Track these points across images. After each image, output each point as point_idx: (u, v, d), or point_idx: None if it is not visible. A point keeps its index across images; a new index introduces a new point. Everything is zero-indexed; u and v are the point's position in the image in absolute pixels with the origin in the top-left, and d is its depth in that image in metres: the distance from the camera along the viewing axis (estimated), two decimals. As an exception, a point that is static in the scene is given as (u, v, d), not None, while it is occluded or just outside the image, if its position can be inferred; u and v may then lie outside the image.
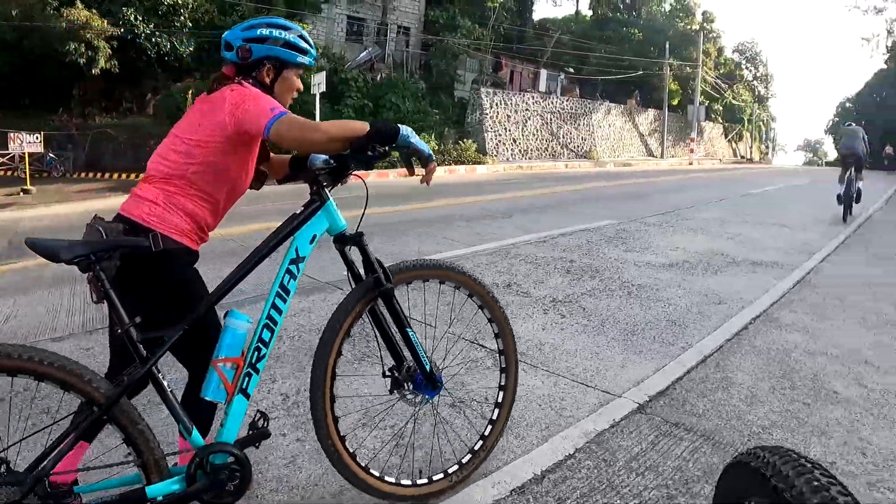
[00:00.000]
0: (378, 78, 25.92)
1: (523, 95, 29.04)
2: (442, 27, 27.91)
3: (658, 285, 6.65)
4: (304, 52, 2.46)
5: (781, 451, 1.34)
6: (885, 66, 42.01)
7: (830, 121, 57.64)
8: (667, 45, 35.80)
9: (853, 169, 13.10)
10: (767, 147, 56.35)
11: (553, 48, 34.66)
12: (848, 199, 12.90)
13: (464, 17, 28.46)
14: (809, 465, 1.26)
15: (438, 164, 20.47)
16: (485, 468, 2.96)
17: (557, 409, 3.67)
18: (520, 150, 27.88)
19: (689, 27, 40.60)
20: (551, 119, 29.80)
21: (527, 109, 28.71)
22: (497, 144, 26.93)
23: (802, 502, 1.18)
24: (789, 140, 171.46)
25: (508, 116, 27.66)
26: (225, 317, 2.28)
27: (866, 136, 13.75)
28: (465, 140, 25.27)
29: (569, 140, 30.45)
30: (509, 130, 27.66)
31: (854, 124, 14.44)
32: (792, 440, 3.47)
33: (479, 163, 23.96)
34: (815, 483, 1.20)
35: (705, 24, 42.03)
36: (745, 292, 6.50)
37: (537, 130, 29.11)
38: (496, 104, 27.21)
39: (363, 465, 2.58)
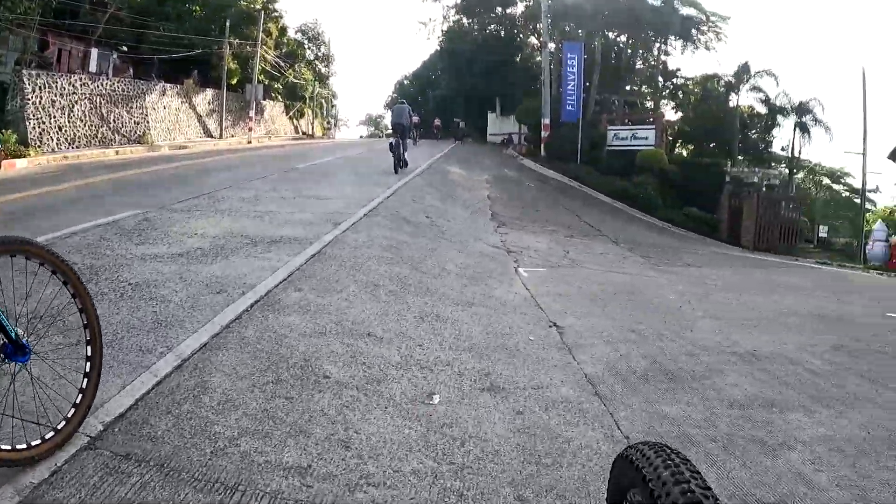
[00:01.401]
0: None
1: (70, 77, 25.56)
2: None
3: (159, 281, 5.83)
4: None
5: (657, 445, 1.43)
6: (439, 48, 46.55)
7: (389, 96, 62.95)
8: (227, 24, 34.87)
9: (400, 137, 17.78)
10: (330, 123, 59.21)
11: (108, 25, 31.20)
12: (397, 160, 17.38)
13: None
14: (677, 460, 1.35)
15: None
16: None
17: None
18: (66, 139, 24.55)
19: (251, 6, 40.07)
20: (101, 102, 26.80)
21: (74, 93, 25.32)
22: (41, 133, 23.32)
23: (667, 493, 1.26)
24: (353, 115, 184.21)
25: (53, 101, 24.09)
26: None
27: (411, 112, 18.24)
28: (4, 130, 21.36)
29: (121, 124, 27.75)
30: (54, 117, 24.13)
31: (404, 102, 18.78)
32: (263, 448, 3.11)
33: (20, 155, 20.46)
34: (678, 476, 1.29)
35: (268, 4, 41.95)
36: (252, 275, 6.07)
37: (85, 115, 25.91)
38: (40, 88, 23.49)
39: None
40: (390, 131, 24.17)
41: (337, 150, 28.38)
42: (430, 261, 8.21)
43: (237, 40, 35.96)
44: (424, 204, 13.11)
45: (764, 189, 25.68)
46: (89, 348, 3.09)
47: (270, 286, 5.73)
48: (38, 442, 2.77)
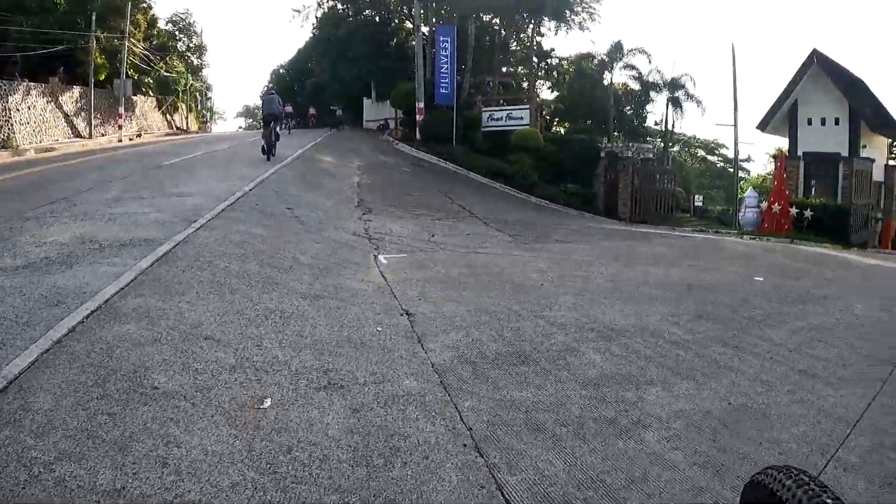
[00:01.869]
0: None
1: None
2: None
3: (-8, 298, 5.63)
4: None
5: (790, 470, 1.50)
6: (313, 35, 45.79)
7: (266, 86, 61.66)
8: (93, 17, 33.13)
9: (272, 126, 18.61)
10: (205, 116, 57.53)
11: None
12: (269, 147, 18.32)
13: None
14: (807, 478, 1.43)
15: None
16: None
17: None
18: (-90, 147, 22.85)
19: (119, -3, 38.13)
20: (-49, 105, 25.10)
21: (-82, 96, 23.59)
22: None
23: None
24: (230, 107, 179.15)
25: None
26: None
27: (281, 101, 19.31)
28: None
29: (-22, 129, 26.10)
30: None
31: (273, 92, 20.07)
32: (78, 472, 2.99)
33: None
34: (811, 494, 1.37)
35: (136, -5, 40.11)
36: (94, 283, 5.92)
37: (-66, 120, 24.23)
38: None
39: None
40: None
41: (209, 144, 27.65)
42: (284, 254, 8.25)
43: (104, 34, 34.26)
44: (288, 195, 13.15)
45: (639, 163, 26.58)
46: None
47: (110, 294, 5.60)
48: None
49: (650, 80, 40.36)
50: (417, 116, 29.20)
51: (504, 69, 39.10)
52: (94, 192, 12.06)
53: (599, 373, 4.94)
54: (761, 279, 9.70)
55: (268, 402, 3.91)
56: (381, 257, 9.22)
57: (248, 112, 79.19)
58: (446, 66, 28.98)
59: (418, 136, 29.20)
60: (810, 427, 4.22)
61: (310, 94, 46.50)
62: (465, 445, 3.65)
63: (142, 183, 13.40)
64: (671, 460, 3.61)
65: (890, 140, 30.17)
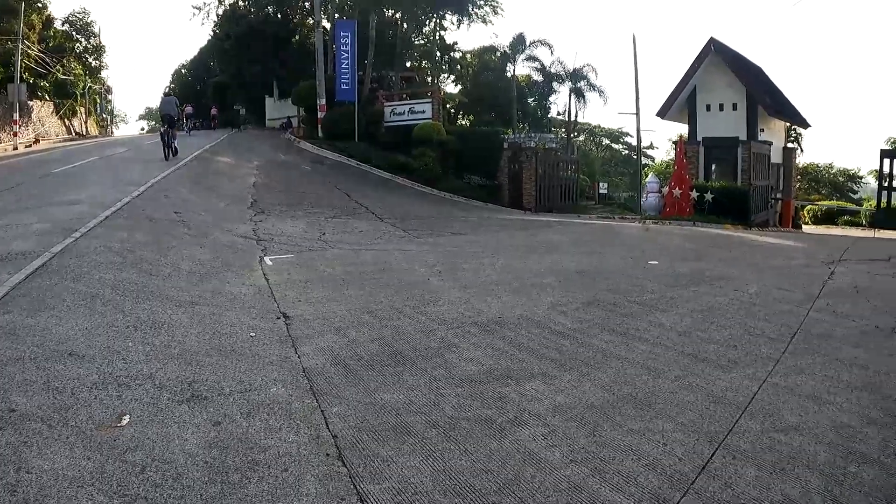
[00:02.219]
0: None
1: None
2: None
3: None
4: None
5: None
6: (214, 33, 44.75)
7: (168, 87, 59.98)
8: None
9: (169, 127, 19.88)
10: (105, 120, 55.68)
11: None
12: (166, 148, 19.46)
13: None
14: None
15: None
16: None
17: None
18: None
19: (10, -2, 36.28)
20: None
21: None
22: None
23: None
24: (132, 110, 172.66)
25: None
26: None
27: (179, 102, 21.44)
28: None
29: None
30: None
31: (171, 94, 22.33)
32: None
33: None
34: None
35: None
36: None
37: None
38: None
39: None
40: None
41: (106, 148, 26.82)
42: (164, 261, 8.20)
43: (-6, 36, 32.71)
44: (178, 199, 13.09)
45: (542, 153, 27.15)
46: None
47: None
48: None
49: (553, 71, 41.56)
50: (319, 113, 29.13)
51: (408, 64, 39.40)
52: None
53: (478, 369, 4.85)
54: (656, 262, 9.79)
55: (126, 420, 3.78)
56: (266, 259, 9.23)
57: (150, 114, 77.05)
58: (347, 61, 28.99)
59: (320, 133, 29.16)
60: (698, 414, 4.13)
61: (213, 94, 45.67)
62: (328, 455, 3.53)
63: (29, 192, 13.09)
64: (547, 459, 3.48)
65: (787, 124, 31.50)
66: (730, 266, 9.82)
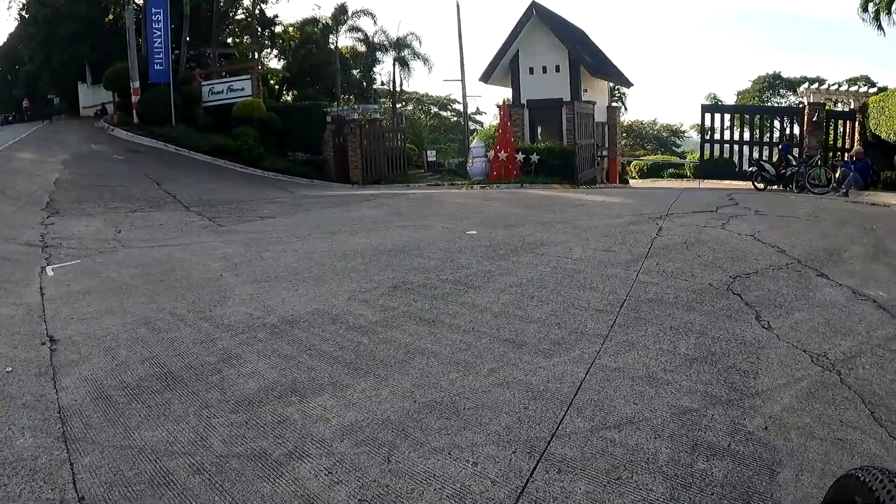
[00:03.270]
0: None
1: None
2: None
3: None
4: None
5: (886, 469, 1.71)
6: (21, 18, 41.15)
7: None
8: None
9: None
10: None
11: None
12: None
13: None
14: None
15: None
16: None
17: None
18: None
19: None
20: None
21: None
22: None
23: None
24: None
25: None
26: None
27: None
28: None
29: None
30: None
31: None
32: None
33: None
34: None
35: None
36: None
37: None
38: None
39: None
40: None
41: None
42: None
43: None
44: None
45: (367, 124, 27.39)
46: None
47: None
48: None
49: (377, 41, 41.91)
50: (133, 98, 28.10)
51: (229, 41, 38.48)
52: None
53: (260, 385, 4.30)
54: (474, 232, 9.43)
55: None
56: (49, 269, 8.60)
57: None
58: (160, 40, 27.99)
59: (135, 118, 28.20)
60: (515, 418, 3.67)
61: (24, 84, 42.37)
62: (69, 530, 2.98)
63: None
64: (329, 501, 2.98)
65: (610, 84, 32.83)
66: (553, 230, 9.51)
